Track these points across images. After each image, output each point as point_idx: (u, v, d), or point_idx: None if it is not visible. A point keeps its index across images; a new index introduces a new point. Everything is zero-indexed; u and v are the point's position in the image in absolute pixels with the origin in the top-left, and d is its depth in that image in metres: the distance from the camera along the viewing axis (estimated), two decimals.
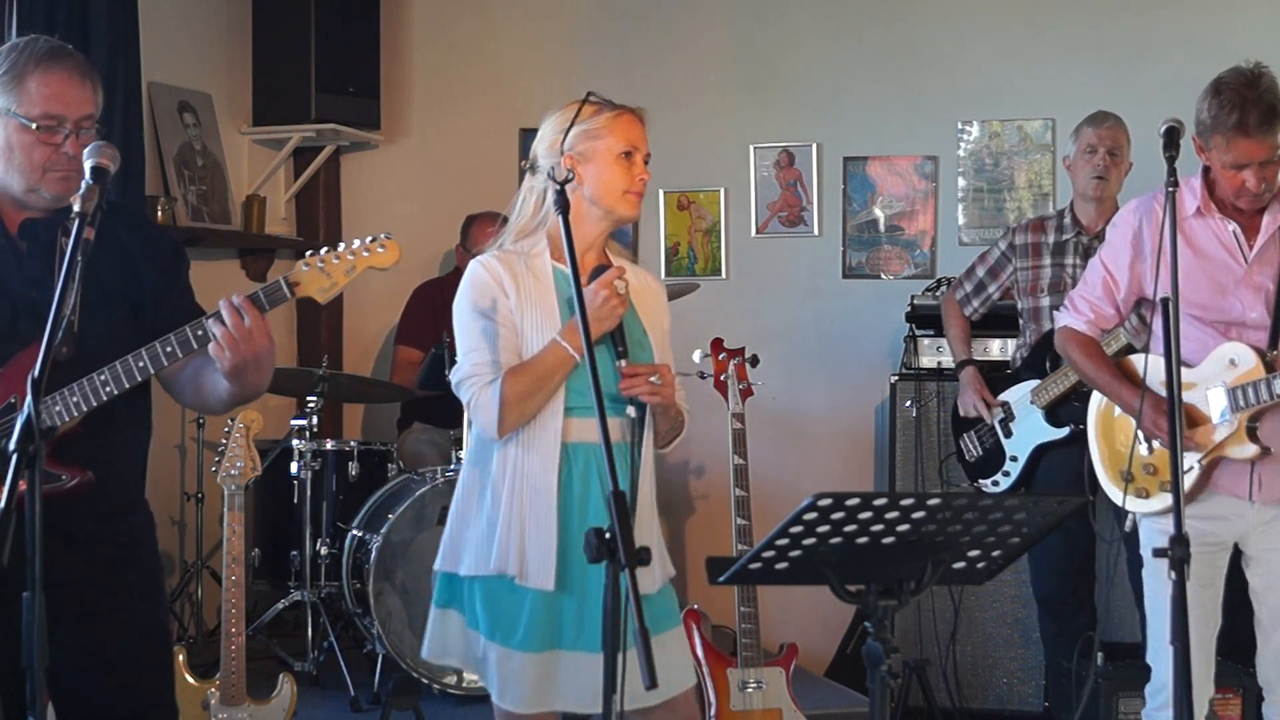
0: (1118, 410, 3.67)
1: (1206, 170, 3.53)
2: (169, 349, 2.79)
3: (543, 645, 2.98)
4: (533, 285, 3.06)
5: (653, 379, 3.00)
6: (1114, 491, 3.64)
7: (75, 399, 2.81)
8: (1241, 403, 3.41)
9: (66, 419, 2.81)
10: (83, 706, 2.98)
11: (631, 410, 3.02)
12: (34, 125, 2.83)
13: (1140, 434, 3.55)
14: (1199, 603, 3.42)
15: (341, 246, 2.83)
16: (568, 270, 3.02)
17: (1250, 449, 3.42)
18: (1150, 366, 3.55)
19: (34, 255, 2.88)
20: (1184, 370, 3.49)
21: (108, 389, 2.80)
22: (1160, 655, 3.53)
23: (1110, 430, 3.71)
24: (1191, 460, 3.47)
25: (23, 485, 2.72)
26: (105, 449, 2.90)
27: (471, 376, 3.03)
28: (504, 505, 3.01)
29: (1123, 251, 3.58)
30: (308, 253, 2.82)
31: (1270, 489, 3.45)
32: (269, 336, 2.76)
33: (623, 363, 3.01)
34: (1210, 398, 3.45)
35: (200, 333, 2.79)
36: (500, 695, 3.03)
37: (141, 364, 2.80)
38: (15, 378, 2.81)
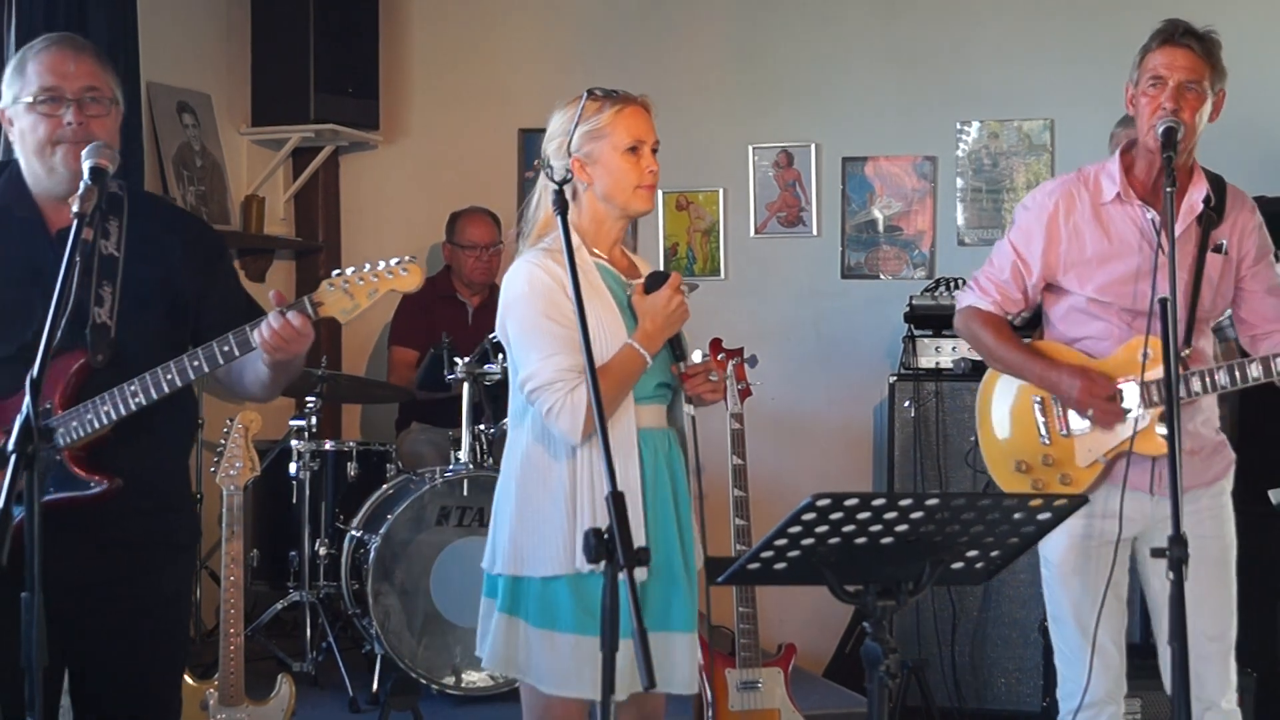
0: (1006, 399, 3.57)
1: (1124, 153, 3.46)
2: (195, 363, 2.84)
3: (630, 631, 2.98)
4: (586, 283, 2.99)
5: (711, 376, 3.08)
6: (1007, 486, 3.54)
7: (106, 407, 2.85)
8: (1156, 398, 3.33)
9: (97, 426, 2.85)
10: (97, 702, 3.03)
11: (691, 408, 3.09)
12: (33, 100, 2.88)
13: (1041, 421, 3.50)
14: (1107, 603, 3.38)
15: (367, 267, 2.85)
16: (609, 265, 3.11)
17: (1161, 446, 3.32)
18: (1049, 351, 3.49)
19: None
20: (1093, 361, 3.45)
21: (136, 399, 2.84)
22: (1072, 660, 3.46)
23: (1005, 420, 3.58)
24: (1097, 453, 3.41)
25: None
26: (137, 453, 2.93)
27: (556, 382, 2.97)
28: (584, 503, 2.98)
29: (1037, 235, 3.47)
30: (334, 272, 2.85)
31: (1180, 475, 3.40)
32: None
33: (683, 365, 3.07)
34: (1124, 391, 3.38)
35: (226, 348, 2.83)
36: (574, 685, 2.97)
37: (170, 376, 2.84)
38: (53, 383, 2.85)
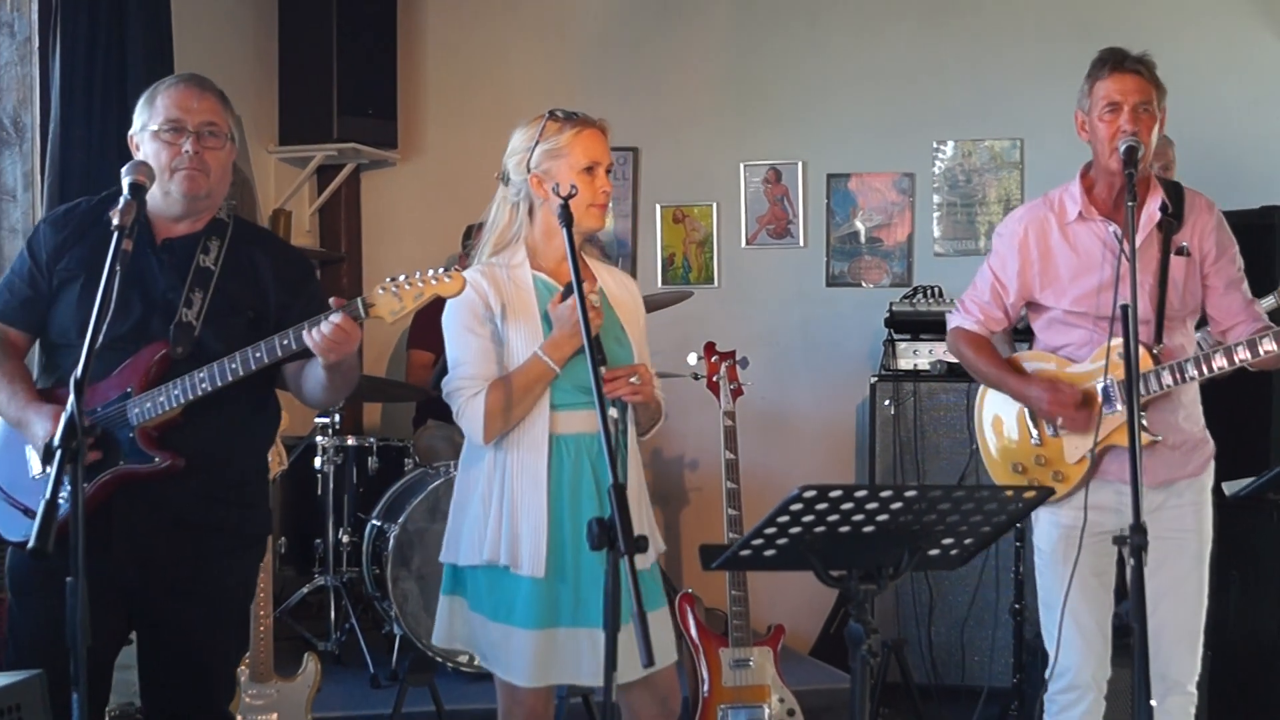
0: (998, 408, 3.59)
1: (1085, 175, 3.48)
2: (258, 354, 2.91)
3: (542, 623, 2.98)
4: (515, 297, 3.05)
5: (632, 379, 3.01)
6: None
7: (176, 391, 2.93)
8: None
9: (167, 407, 2.92)
10: (156, 673, 3.08)
11: (613, 410, 3.00)
12: (158, 129, 2.98)
13: (1030, 425, 3.50)
14: (1092, 591, 3.41)
15: (417, 274, 2.92)
16: (547, 279, 3.09)
17: (1142, 437, 3.33)
18: (1032, 363, 3.51)
19: (172, 266, 3.02)
20: (1071, 365, 3.46)
21: (204, 385, 2.91)
22: (1060, 642, 3.45)
23: (999, 427, 3.60)
24: (1084, 449, 3.42)
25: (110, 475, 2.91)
26: (213, 444, 2.99)
27: (459, 389, 3.03)
28: (496, 499, 3.01)
29: (1010, 260, 3.50)
30: (387, 278, 2.92)
31: (1154, 473, 3.36)
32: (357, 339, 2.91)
33: (603, 369, 2.98)
34: (1100, 390, 3.39)
35: (285, 342, 2.90)
36: (507, 671, 3.02)
37: (234, 365, 2.91)
38: (136, 370, 2.95)
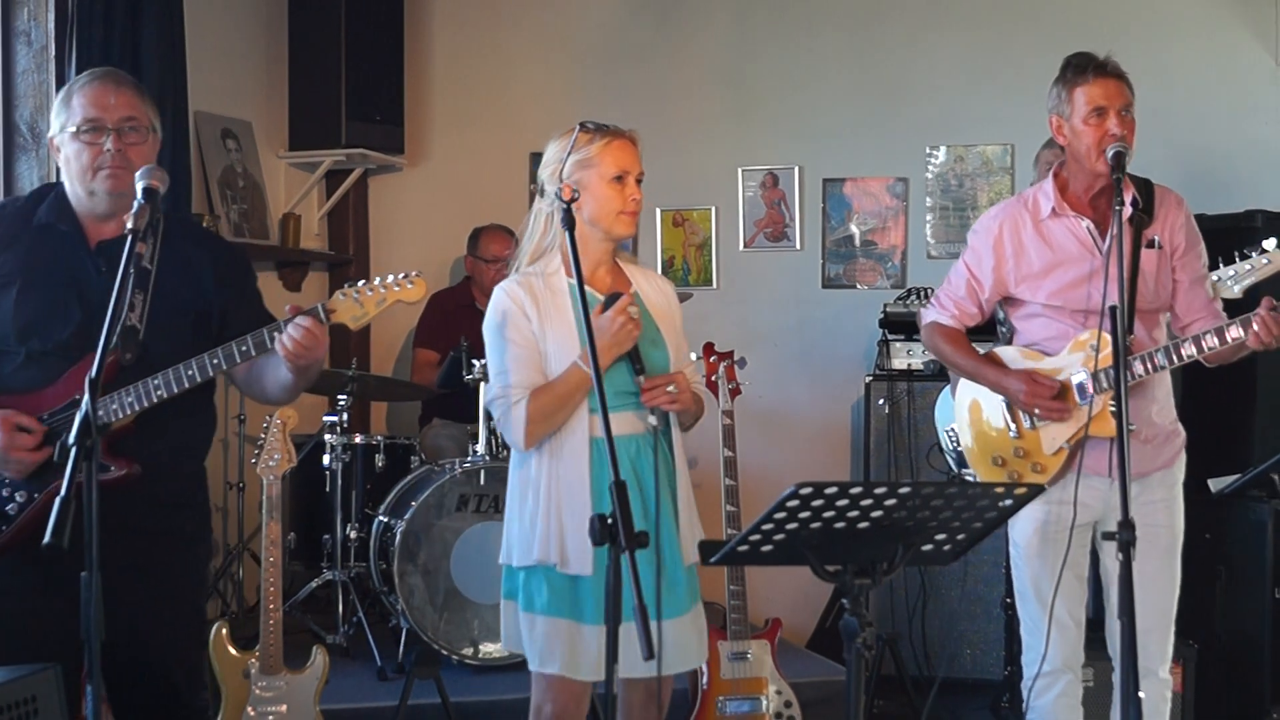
0: (979, 403, 3.58)
1: (1057, 175, 3.49)
2: (215, 361, 2.84)
3: (603, 619, 2.96)
4: (552, 305, 3.03)
5: (669, 389, 3.01)
6: (986, 478, 3.54)
7: (130, 399, 2.83)
8: (1105, 384, 3.32)
9: (120, 416, 2.83)
10: (122, 679, 2.97)
11: (653, 418, 3.02)
12: (76, 129, 2.88)
13: (1009, 417, 3.50)
14: (1064, 581, 3.40)
15: (377, 280, 2.88)
16: (587, 286, 3.05)
17: (1113, 426, 3.27)
18: (1008, 356, 3.52)
19: (111, 270, 2.87)
20: (1047, 358, 3.46)
21: (159, 392, 2.83)
22: (1035, 631, 3.46)
23: (979, 421, 3.59)
24: (1060, 440, 3.42)
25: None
26: (157, 447, 2.91)
27: (500, 397, 3.02)
28: (542, 501, 3.00)
29: (986, 256, 3.52)
30: (346, 284, 2.87)
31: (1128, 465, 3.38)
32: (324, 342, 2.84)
33: (641, 378, 3.01)
34: (1075, 383, 3.39)
35: (244, 348, 2.83)
36: (573, 668, 2.98)
37: (190, 372, 2.83)
38: (81, 377, 2.81)
